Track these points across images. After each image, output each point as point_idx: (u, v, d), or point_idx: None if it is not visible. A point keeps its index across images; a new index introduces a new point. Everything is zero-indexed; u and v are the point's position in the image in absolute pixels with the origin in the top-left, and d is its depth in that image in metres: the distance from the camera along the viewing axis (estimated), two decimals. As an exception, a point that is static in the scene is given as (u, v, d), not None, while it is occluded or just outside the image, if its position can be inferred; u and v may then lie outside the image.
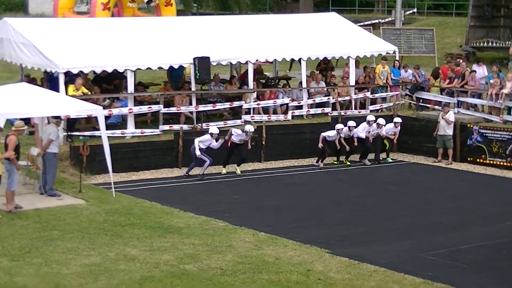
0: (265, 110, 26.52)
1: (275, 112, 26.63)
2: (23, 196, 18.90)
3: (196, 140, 22.44)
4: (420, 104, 28.64)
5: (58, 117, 19.86)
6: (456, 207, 20.44)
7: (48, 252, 15.12)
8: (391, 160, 25.93)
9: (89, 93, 23.71)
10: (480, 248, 16.77)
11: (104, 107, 22.21)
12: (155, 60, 24.61)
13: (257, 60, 27.19)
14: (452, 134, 25.61)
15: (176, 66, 25.16)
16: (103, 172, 20.98)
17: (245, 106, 25.88)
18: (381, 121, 25.56)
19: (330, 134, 24.89)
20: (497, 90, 26.30)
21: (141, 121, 24.72)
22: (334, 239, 16.96)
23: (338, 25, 29.79)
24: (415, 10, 52.26)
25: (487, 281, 14.58)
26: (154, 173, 23.02)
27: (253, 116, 25.76)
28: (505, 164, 24.87)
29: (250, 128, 23.38)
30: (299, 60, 27.30)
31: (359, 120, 25.69)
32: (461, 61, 29.82)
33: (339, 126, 25.06)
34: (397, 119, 26.00)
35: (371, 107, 28.03)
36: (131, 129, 23.75)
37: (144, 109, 24.49)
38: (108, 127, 21.79)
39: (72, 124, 22.71)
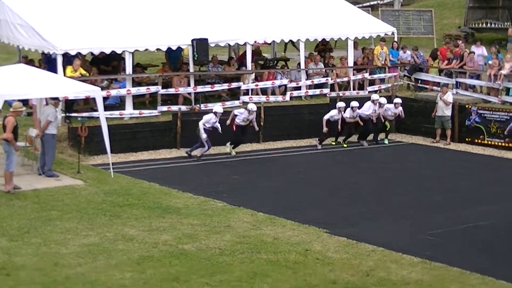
0: (264, 91, 26.51)
1: (273, 93, 26.62)
2: (22, 177, 18.91)
3: (201, 123, 22.31)
4: (418, 85, 28.64)
5: (56, 99, 19.85)
6: (454, 187, 20.48)
7: (47, 232, 15.14)
8: (387, 142, 25.92)
9: (87, 74, 23.68)
10: (478, 228, 16.81)
11: (102, 88, 22.21)
12: (153, 41, 24.56)
13: (255, 42, 27.14)
14: (450, 115, 25.61)
15: (174, 48, 25.12)
16: (101, 153, 21.00)
17: (243, 87, 25.87)
18: (383, 100, 25.51)
19: (332, 114, 24.75)
20: (495, 71, 26.30)
21: (139, 102, 24.70)
22: (332, 219, 16.99)
23: (336, 6, 29.69)
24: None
25: (485, 261, 14.61)
26: (152, 154, 23.03)
27: (251, 97, 25.74)
28: (503, 144, 24.90)
29: (252, 106, 23.31)
30: (297, 41, 27.22)
31: (359, 101, 25.54)
32: (460, 42, 29.78)
33: (340, 104, 24.93)
34: (397, 100, 25.93)
35: (370, 88, 28.02)
36: (129, 110, 23.75)
37: (142, 90, 24.47)
38: (106, 108, 21.80)
39: (70, 105, 22.72)
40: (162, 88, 24.46)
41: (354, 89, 27.80)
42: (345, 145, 25.07)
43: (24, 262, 13.52)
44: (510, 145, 24.71)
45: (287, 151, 24.34)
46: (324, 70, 27.86)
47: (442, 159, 23.98)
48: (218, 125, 22.51)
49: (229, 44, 26.98)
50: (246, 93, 25.88)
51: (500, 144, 24.97)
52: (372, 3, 44.90)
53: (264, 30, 26.79)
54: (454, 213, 17.90)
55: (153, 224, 15.98)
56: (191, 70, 25.17)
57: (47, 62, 24.49)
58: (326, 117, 24.67)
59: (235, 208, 17.41)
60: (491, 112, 25.38)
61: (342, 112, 24.84)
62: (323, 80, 27.48)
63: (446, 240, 15.79)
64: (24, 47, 24.43)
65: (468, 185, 20.81)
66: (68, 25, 23.85)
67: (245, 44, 26.19)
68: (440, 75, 28.26)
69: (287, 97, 26.51)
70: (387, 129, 25.92)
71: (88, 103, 23.40)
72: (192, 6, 26.90)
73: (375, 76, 28.43)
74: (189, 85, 25.03)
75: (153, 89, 24.44)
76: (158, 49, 25.36)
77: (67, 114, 22.10)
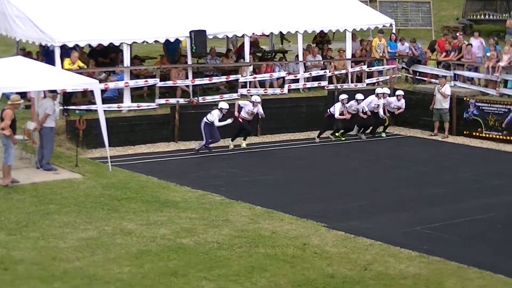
0: (262, 84, 26.48)
1: (271, 86, 26.60)
2: (20, 170, 18.90)
3: (206, 118, 22.21)
4: (416, 77, 28.61)
5: (54, 91, 19.83)
6: (452, 180, 20.49)
7: (45, 226, 15.15)
8: (385, 135, 25.90)
9: (85, 66, 23.65)
10: (475, 221, 16.84)
11: (100, 81, 22.18)
12: (151, 33, 24.54)
13: (253, 33, 27.10)
14: (448, 107, 25.59)
15: (172, 40, 25.09)
16: (99, 146, 20.97)
17: (241, 79, 25.84)
18: (387, 90, 25.52)
19: (337, 108, 24.42)
20: (493, 63, 26.28)
21: (137, 94, 24.67)
22: (330, 213, 17.00)
23: (334, -2, 29.67)
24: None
25: (482, 255, 14.63)
26: (150, 147, 23.00)
27: (249, 90, 25.72)
28: (501, 137, 24.90)
29: (256, 98, 23.26)
30: (296, 33, 27.18)
31: (354, 93, 25.49)
32: (459, 34, 29.72)
33: (342, 96, 24.77)
34: (399, 92, 25.84)
35: (368, 81, 28.00)
36: (127, 103, 23.72)
37: (140, 82, 24.43)
38: (104, 101, 21.72)
39: (68, 98, 22.68)
40: (160, 80, 24.42)
41: (352, 82, 27.77)
42: (343, 138, 25.02)
43: (22, 256, 13.53)
44: (508, 137, 24.72)
45: (285, 144, 24.33)
46: (322, 63, 27.82)
47: (440, 152, 23.99)
48: (217, 123, 22.31)
49: (227, 36, 26.96)
50: (244, 85, 25.85)
51: (498, 137, 24.97)
52: (370, -6, 44.82)
53: (262, 22, 26.76)
54: (452, 207, 17.92)
55: (151, 218, 15.98)
56: (189, 62, 25.12)
57: (45, 55, 24.44)
58: (336, 114, 24.31)
59: (233, 202, 17.41)
60: (489, 105, 25.37)
61: (346, 105, 24.66)
62: (321, 72, 27.45)
63: (444, 234, 15.82)
64: (21, 39, 24.38)
65: (466, 178, 20.81)
66: (66, 17, 23.78)
67: (243, 36, 26.16)
68: (438, 67, 28.23)
69: (285, 90, 26.48)
70: (386, 124, 25.86)
71: (86, 96, 23.39)
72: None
73: (373, 68, 28.41)
74: (187, 77, 24.99)
75: (151, 81, 24.40)
76: (156, 41, 25.35)
77: (65, 107, 22.07)
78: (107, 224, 15.46)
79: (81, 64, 23.33)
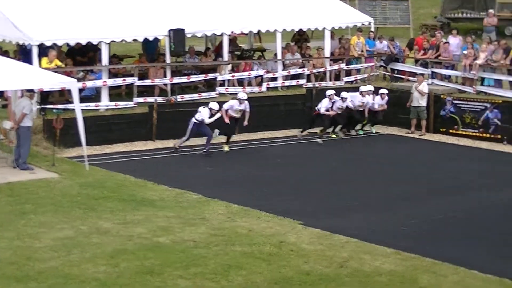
0: (240, 82, 26.49)
1: (249, 84, 26.62)
2: (-4, 169, 18.87)
3: (195, 118, 22.19)
4: (394, 75, 28.73)
5: (31, 90, 19.75)
6: (429, 177, 20.60)
7: (21, 226, 15.09)
8: (362, 133, 26.00)
9: (63, 65, 23.57)
10: (451, 218, 16.94)
11: (78, 80, 22.10)
12: (130, 32, 24.49)
13: (232, 32, 27.12)
14: (425, 105, 25.74)
15: (151, 38, 25.04)
16: (76, 145, 20.84)
17: (219, 78, 25.83)
18: (371, 88, 25.63)
19: (324, 104, 24.42)
20: (471, 61, 26.41)
21: (115, 93, 24.62)
22: (307, 211, 17.05)
23: (313, -4, 29.72)
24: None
25: (457, 251, 14.73)
26: (128, 146, 22.96)
27: (227, 88, 25.74)
28: (477, 134, 25.08)
29: (243, 95, 23.24)
30: (274, 31, 27.20)
31: (336, 91, 25.51)
32: (437, 32, 29.82)
33: (329, 92, 24.68)
34: (383, 90, 25.92)
35: (346, 79, 28.09)
36: (105, 102, 23.65)
37: (119, 81, 24.38)
38: (82, 99, 21.66)
39: (45, 97, 22.59)
40: (139, 79, 24.38)
41: (330, 80, 27.85)
42: (334, 136, 25.04)
43: (-3, 256, 13.50)
44: (484, 135, 24.89)
45: (263, 142, 24.37)
46: (300, 61, 27.88)
47: (417, 150, 24.13)
48: (207, 120, 22.25)
49: (206, 35, 26.95)
50: (222, 84, 25.86)
51: (474, 134, 25.14)
52: (349, -8, 44.91)
53: (241, 21, 26.74)
54: (427, 204, 18.03)
55: (127, 217, 15.97)
56: (168, 61, 25.10)
57: (23, 54, 24.30)
58: (322, 110, 24.29)
59: (210, 200, 17.42)
60: (466, 102, 25.54)
61: (332, 100, 24.66)
62: (299, 70, 27.50)
63: (419, 231, 15.92)
64: (-2, 38, 24.27)
65: (442, 175, 20.92)
66: (43, 15, 23.66)
67: (222, 34, 26.16)
68: (416, 65, 28.36)
69: (264, 88, 26.52)
70: (364, 121, 25.97)
71: (64, 95, 23.31)
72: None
73: (352, 66, 28.49)
74: (165, 76, 24.97)
75: (129, 80, 24.36)
76: (134, 40, 25.27)
77: (42, 106, 21.98)
78: (83, 224, 15.42)
79: (59, 63, 23.23)
